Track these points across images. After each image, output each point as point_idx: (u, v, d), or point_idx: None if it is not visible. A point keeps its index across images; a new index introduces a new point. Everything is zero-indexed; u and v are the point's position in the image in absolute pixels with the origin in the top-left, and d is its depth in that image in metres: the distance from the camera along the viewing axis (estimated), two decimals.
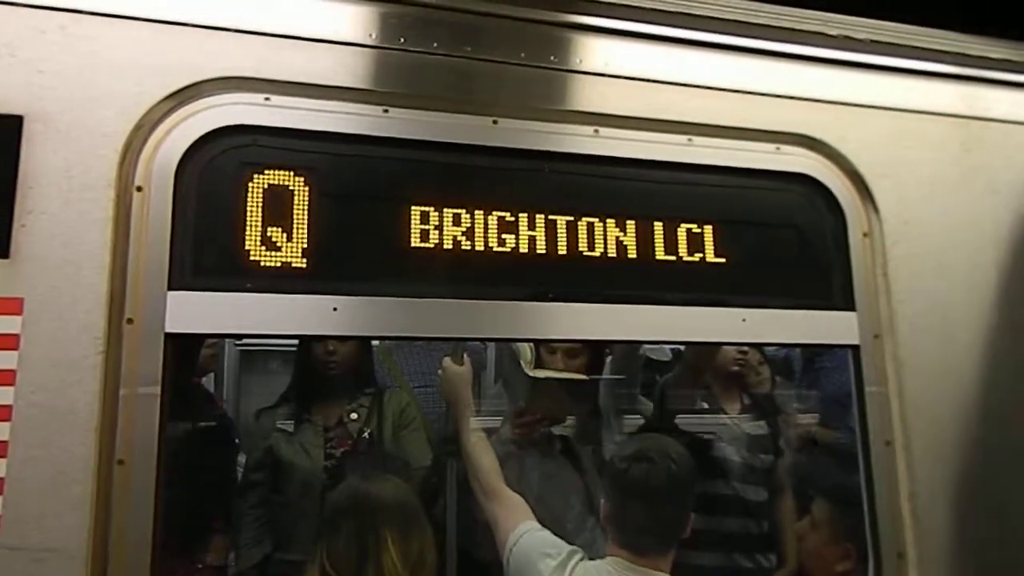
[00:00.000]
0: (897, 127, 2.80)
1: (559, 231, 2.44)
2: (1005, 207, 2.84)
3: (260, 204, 2.19)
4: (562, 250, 2.43)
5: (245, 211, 2.17)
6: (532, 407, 3.73)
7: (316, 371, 4.02)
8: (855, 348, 2.62)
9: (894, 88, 2.83)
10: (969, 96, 2.92)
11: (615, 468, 2.88)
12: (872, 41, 2.81)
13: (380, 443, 4.04)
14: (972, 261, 2.76)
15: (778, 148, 2.67)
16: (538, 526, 2.94)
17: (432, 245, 2.31)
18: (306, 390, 4.08)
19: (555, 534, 2.93)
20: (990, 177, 2.86)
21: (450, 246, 2.33)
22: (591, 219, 2.47)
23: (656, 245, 2.51)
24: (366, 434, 4.01)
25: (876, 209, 2.69)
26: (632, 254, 2.49)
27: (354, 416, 4.04)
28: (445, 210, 2.34)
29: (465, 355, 3.43)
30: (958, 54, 2.91)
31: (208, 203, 2.15)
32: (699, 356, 4.21)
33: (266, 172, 2.21)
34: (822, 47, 2.77)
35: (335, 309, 2.18)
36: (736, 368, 4.35)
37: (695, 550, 3.60)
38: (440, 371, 3.47)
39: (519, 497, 3.10)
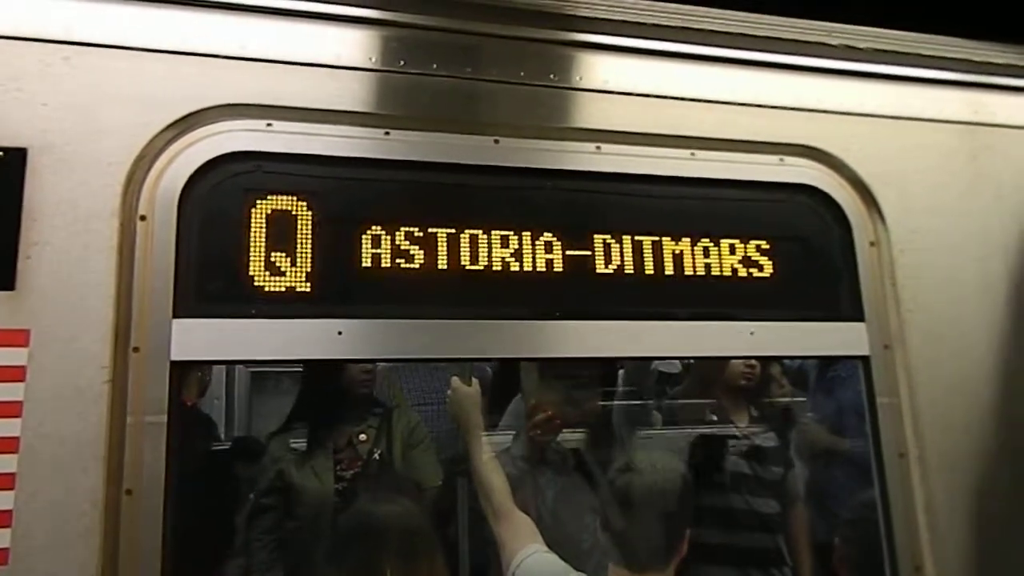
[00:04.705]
0: (902, 135, 2.78)
1: (563, 249, 2.43)
2: (1014, 213, 2.82)
3: (264, 229, 2.19)
4: (567, 268, 2.42)
5: (249, 237, 2.18)
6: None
7: (345, 391, 4.04)
8: (865, 359, 2.59)
9: (898, 96, 2.82)
10: (975, 102, 2.90)
11: (606, 481, 2.87)
12: (874, 50, 2.80)
13: (390, 464, 4.03)
14: (982, 268, 2.74)
15: (781, 160, 2.66)
16: (544, 549, 2.91)
17: (436, 266, 2.31)
18: (315, 412, 4.08)
19: (569, 551, 2.91)
20: (998, 183, 2.84)
21: (455, 266, 2.32)
22: (595, 236, 2.46)
23: (661, 260, 2.50)
24: (376, 455, 4.00)
25: (882, 218, 2.68)
26: (637, 270, 2.47)
27: (363, 437, 4.03)
28: (448, 231, 2.34)
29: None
30: (962, 60, 2.89)
31: (212, 230, 2.16)
32: (705, 369, 4.21)
33: (269, 197, 2.21)
34: (824, 57, 2.76)
35: (340, 333, 2.18)
36: (744, 382, 4.33)
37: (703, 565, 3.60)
38: (449, 392, 3.46)
39: (528, 518, 3.07)
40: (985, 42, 2.92)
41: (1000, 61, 2.92)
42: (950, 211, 2.77)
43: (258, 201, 2.20)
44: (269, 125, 2.24)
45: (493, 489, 3.16)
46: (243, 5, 2.24)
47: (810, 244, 2.67)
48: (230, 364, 4.58)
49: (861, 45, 2.79)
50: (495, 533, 3.09)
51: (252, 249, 2.17)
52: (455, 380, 3.41)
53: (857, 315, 2.62)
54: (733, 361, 4.16)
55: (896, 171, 2.73)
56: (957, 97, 2.89)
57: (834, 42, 2.77)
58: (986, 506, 2.55)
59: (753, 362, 4.27)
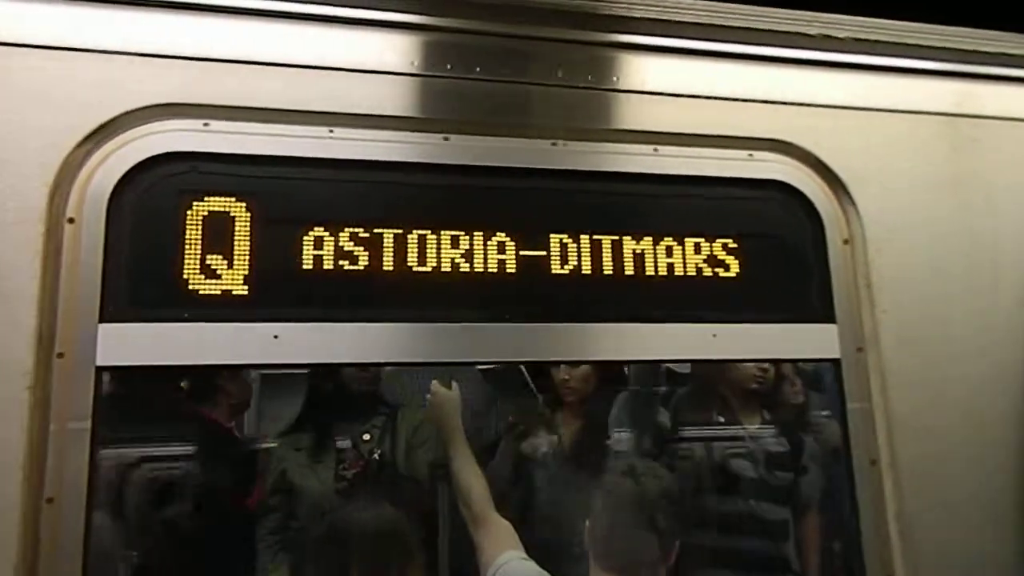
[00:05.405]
0: (880, 128, 2.65)
1: (517, 249, 2.35)
2: (1000, 210, 2.68)
3: (199, 231, 2.14)
4: (521, 269, 2.34)
5: (183, 239, 2.13)
6: None
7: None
8: (836, 362, 2.48)
9: (875, 87, 2.69)
10: (958, 93, 2.76)
11: (594, 485, 2.81)
12: (852, 39, 2.67)
13: (393, 464, 4.01)
14: (965, 268, 2.60)
15: (751, 154, 2.55)
16: (522, 555, 2.85)
17: (378, 268, 2.24)
18: (321, 413, 4.07)
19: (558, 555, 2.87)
20: (984, 179, 2.70)
21: (398, 268, 2.25)
22: (551, 235, 2.38)
23: (620, 260, 2.41)
24: (377, 455, 3.99)
25: (858, 215, 2.55)
26: (596, 270, 2.38)
27: (366, 437, 4.02)
28: (396, 231, 2.27)
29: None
30: (947, 49, 2.75)
31: (143, 232, 2.11)
32: (708, 371, 4.11)
33: (206, 199, 2.17)
34: (799, 48, 2.65)
35: (276, 337, 2.12)
36: (756, 385, 4.22)
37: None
38: (428, 396, 3.41)
39: (508, 524, 3.02)
40: (971, 29, 2.77)
41: (988, 50, 2.76)
42: (932, 207, 2.63)
43: (193, 202, 2.16)
44: (206, 124, 2.19)
45: (472, 494, 3.12)
46: (177, 3, 2.20)
47: (779, 242, 2.55)
48: (159, 370, 4.58)
49: (841, 35, 2.67)
50: (474, 539, 3.04)
51: (187, 251, 2.12)
52: (435, 384, 3.37)
53: (828, 316, 2.50)
54: (743, 364, 4.05)
55: (873, 166, 2.60)
56: (940, 87, 2.75)
57: (813, 32, 2.65)
58: (959, 515, 2.43)
59: (766, 364, 4.15)
